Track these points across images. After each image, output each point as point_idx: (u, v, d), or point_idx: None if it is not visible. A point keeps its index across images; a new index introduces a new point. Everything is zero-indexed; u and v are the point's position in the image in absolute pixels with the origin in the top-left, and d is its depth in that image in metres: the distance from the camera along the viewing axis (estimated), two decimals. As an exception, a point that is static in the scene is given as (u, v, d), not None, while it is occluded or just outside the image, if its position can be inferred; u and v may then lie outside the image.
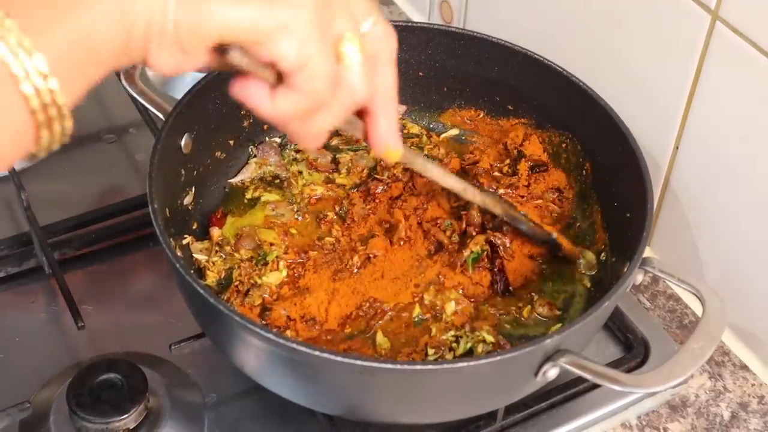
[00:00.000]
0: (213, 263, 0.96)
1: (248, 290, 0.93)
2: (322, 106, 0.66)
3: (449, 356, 0.90)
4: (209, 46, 0.61)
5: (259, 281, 0.94)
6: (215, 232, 0.98)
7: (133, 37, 0.59)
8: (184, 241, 0.96)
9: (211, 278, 0.95)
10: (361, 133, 0.74)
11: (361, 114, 0.73)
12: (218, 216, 1.01)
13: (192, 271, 0.93)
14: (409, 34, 1.07)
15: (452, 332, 0.91)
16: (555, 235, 0.98)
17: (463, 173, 1.05)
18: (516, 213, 0.98)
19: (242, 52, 0.63)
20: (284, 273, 0.95)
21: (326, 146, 1.08)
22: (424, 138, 1.11)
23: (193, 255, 0.96)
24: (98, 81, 0.61)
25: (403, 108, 1.12)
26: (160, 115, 0.97)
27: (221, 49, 0.63)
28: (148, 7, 0.58)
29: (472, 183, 0.99)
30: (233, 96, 0.66)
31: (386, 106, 0.72)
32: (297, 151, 1.08)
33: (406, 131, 1.12)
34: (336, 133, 1.09)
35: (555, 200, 1.03)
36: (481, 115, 1.10)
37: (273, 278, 0.94)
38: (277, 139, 1.09)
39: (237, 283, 0.94)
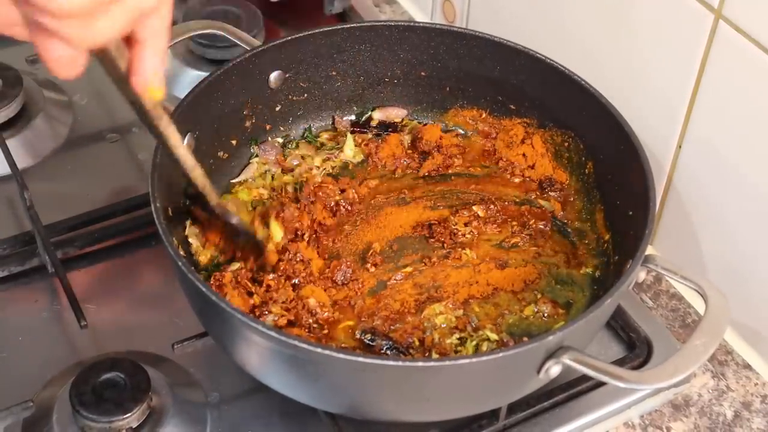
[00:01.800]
0: (204, 246, 0.97)
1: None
2: (109, 3, 0.62)
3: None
4: None
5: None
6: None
7: None
8: (186, 231, 0.97)
9: (204, 260, 0.96)
10: (125, 64, 0.70)
11: (128, 45, 0.70)
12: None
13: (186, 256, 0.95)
14: (411, 34, 1.07)
15: (456, 335, 0.91)
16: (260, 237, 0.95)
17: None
18: (226, 210, 0.93)
19: None
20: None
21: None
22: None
23: (188, 239, 0.97)
24: None
25: (404, 112, 1.12)
26: (163, 115, 0.96)
27: None
28: None
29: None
30: None
31: (157, 38, 0.69)
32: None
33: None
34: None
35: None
36: (484, 115, 1.10)
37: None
38: (280, 139, 1.09)
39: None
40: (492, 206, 1.02)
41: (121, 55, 0.70)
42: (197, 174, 0.89)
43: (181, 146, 0.87)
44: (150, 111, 0.78)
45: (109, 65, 0.70)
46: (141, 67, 0.70)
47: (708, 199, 1.03)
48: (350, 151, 1.08)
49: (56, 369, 0.95)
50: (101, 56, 0.69)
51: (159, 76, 0.71)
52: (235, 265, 0.95)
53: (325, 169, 1.07)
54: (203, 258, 0.96)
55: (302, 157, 1.08)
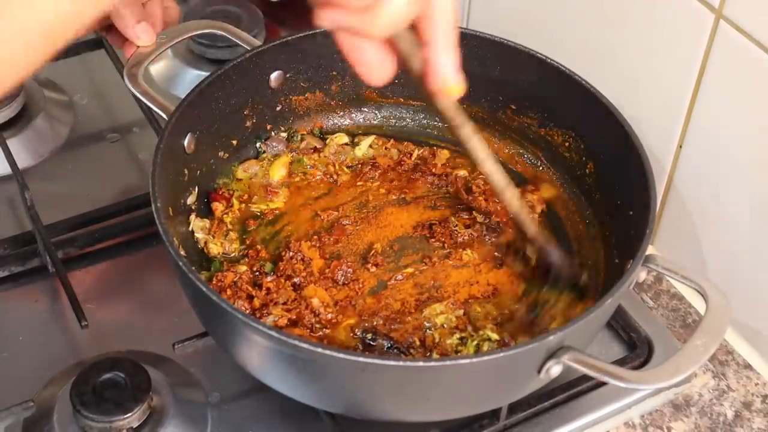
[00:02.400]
0: (214, 235, 0.97)
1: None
2: None
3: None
4: None
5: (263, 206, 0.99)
6: (218, 207, 1.00)
7: None
8: (190, 227, 0.97)
9: (215, 251, 0.97)
10: (419, 63, 0.74)
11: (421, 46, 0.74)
12: (220, 192, 1.02)
13: (199, 248, 0.97)
14: (412, 34, 1.07)
15: (456, 335, 0.91)
16: (584, 277, 0.95)
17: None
18: (546, 240, 0.95)
19: None
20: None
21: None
22: None
23: (195, 234, 0.98)
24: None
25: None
26: (163, 115, 0.97)
27: None
28: None
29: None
30: None
31: (444, 39, 0.72)
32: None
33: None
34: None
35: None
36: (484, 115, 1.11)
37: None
38: (284, 134, 1.09)
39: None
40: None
41: (414, 53, 0.74)
42: (510, 196, 0.90)
43: (489, 160, 0.87)
44: (451, 118, 0.81)
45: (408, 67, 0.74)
46: (433, 68, 0.73)
47: (709, 199, 1.03)
48: (360, 152, 1.08)
49: (57, 369, 0.95)
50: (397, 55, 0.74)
51: (453, 73, 0.73)
52: (242, 268, 0.95)
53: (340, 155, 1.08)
54: (214, 248, 0.97)
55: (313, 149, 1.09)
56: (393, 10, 0.68)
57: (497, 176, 0.89)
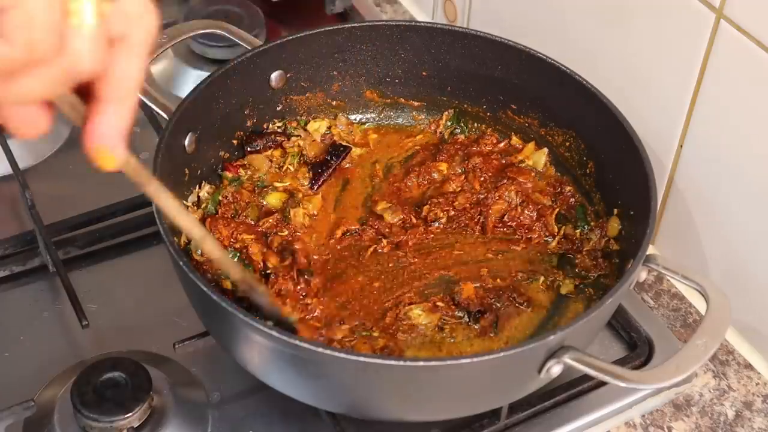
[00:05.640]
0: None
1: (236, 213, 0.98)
2: (34, 64, 0.54)
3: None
4: None
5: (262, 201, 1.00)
6: (228, 174, 1.02)
7: None
8: (200, 194, 0.99)
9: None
10: (81, 121, 0.60)
11: (88, 98, 0.60)
12: (234, 164, 1.03)
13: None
14: (412, 34, 1.07)
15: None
16: (292, 319, 0.88)
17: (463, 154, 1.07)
18: (255, 287, 0.87)
19: None
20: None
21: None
22: None
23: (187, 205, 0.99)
24: None
25: None
26: (164, 114, 0.97)
27: None
28: None
29: None
30: None
31: (120, 99, 0.59)
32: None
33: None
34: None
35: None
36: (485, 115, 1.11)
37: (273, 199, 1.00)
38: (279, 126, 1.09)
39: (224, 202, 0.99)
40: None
41: (76, 110, 0.61)
42: (209, 247, 0.82)
43: (182, 214, 0.77)
44: (130, 176, 0.67)
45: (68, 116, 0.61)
46: (93, 130, 0.60)
47: (710, 199, 1.03)
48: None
49: (57, 368, 0.95)
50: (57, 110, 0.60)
51: (116, 139, 0.60)
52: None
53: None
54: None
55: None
56: (37, 84, 0.55)
57: (192, 228, 0.80)
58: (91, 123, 0.59)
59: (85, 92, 0.60)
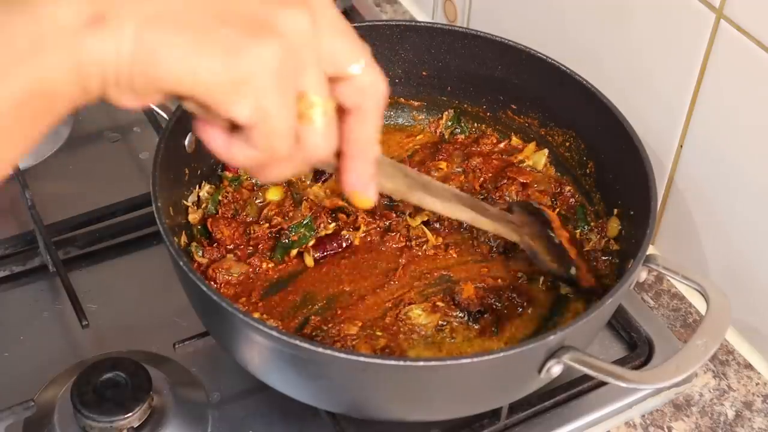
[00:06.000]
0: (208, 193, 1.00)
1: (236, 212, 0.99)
2: (280, 160, 0.63)
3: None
4: (166, 94, 0.59)
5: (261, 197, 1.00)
6: (228, 174, 1.02)
7: (89, 86, 0.57)
8: (189, 217, 0.99)
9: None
10: (333, 170, 0.71)
11: (337, 153, 0.69)
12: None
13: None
14: (412, 34, 1.07)
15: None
16: (573, 270, 0.93)
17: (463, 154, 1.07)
18: (533, 243, 0.94)
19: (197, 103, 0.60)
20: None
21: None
22: None
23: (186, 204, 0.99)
24: (49, 129, 0.60)
25: None
26: (164, 114, 0.97)
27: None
28: (101, 57, 0.56)
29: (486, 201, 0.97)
30: (195, 134, 0.64)
31: (361, 155, 0.68)
32: None
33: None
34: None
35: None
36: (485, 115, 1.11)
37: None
38: None
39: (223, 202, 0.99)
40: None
41: (327, 164, 0.70)
42: (482, 223, 0.92)
43: (456, 205, 0.90)
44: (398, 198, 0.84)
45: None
46: (346, 182, 0.70)
47: (710, 199, 1.03)
48: None
49: (57, 369, 0.95)
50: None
51: (366, 185, 0.70)
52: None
53: None
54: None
55: None
56: (286, 170, 0.65)
57: (461, 213, 0.91)
58: (341, 175, 0.69)
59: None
